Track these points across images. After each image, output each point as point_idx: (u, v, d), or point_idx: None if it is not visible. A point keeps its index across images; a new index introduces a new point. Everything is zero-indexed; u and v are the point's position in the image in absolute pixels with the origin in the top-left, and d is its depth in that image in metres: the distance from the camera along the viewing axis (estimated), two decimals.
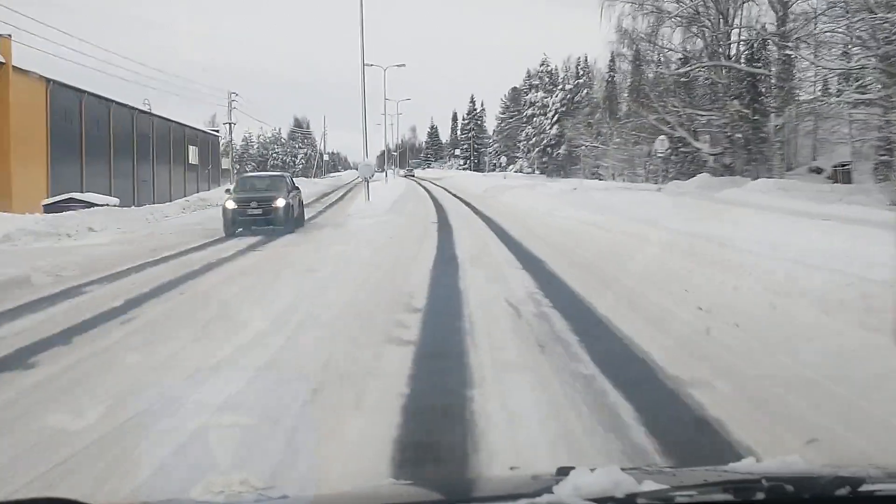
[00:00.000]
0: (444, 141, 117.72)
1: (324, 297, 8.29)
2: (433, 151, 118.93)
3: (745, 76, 33.42)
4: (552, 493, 1.46)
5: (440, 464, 3.61)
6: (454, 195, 36.27)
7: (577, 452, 3.56)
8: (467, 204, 28.26)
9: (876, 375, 4.64)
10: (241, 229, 17.20)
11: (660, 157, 27.56)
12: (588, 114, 55.19)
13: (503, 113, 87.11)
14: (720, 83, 31.93)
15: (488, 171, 78.92)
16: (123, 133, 43.82)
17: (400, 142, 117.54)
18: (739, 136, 32.58)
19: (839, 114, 28.18)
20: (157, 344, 6.09)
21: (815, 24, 28.80)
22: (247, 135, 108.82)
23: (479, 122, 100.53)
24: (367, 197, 26.07)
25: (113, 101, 42.34)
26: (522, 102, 74.77)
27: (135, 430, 4.01)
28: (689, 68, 32.63)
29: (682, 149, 35.63)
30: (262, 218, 17.09)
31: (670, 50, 33.07)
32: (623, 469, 1.54)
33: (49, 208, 24.05)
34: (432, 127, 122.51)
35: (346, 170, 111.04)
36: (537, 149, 66.92)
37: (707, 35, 32.06)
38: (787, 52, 29.10)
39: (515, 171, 68.06)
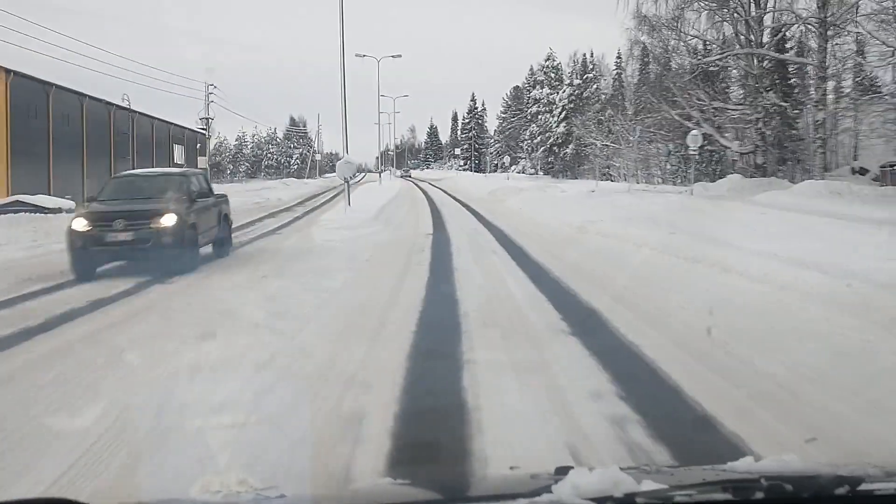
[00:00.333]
0: (443, 141, 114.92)
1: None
2: (433, 152, 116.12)
3: (777, 66, 30.14)
4: (551, 492, 1.44)
5: None
6: (455, 199, 32.78)
7: None
8: (471, 211, 24.18)
9: None
10: (104, 265, 10.52)
11: (693, 153, 24.22)
12: (599, 110, 51.73)
13: (505, 112, 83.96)
14: (752, 74, 28.57)
15: (489, 172, 75.83)
16: (99, 130, 40.88)
17: (400, 141, 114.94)
18: (771, 132, 29.26)
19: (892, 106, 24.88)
20: None
21: (857, 8, 25.68)
22: (240, 134, 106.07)
23: (479, 122, 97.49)
24: (348, 202, 21.10)
25: (86, 95, 39.25)
26: (526, 100, 71.46)
27: None
28: (719, 56, 29.22)
29: (706, 147, 32.30)
30: (133, 248, 10.17)
31: (696, 37, 29.63)
32: (622, 469, 1.52)
33: None
34: (432, 127, 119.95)
35: None
36: (542, 148, 63.46)
37: (737, 21, 28.68)
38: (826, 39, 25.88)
39: (517, 172, 64.62)
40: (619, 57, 63.05)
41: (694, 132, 22.77)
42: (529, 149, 67.29)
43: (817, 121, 27.18)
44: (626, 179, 44.60)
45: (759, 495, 1.43)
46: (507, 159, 60.64)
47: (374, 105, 75.17)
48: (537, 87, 67.23)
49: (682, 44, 30.00)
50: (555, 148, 60.84)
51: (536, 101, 66.17)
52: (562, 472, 1.54)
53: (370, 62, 50.20)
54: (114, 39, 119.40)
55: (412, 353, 5.45)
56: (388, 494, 1.93)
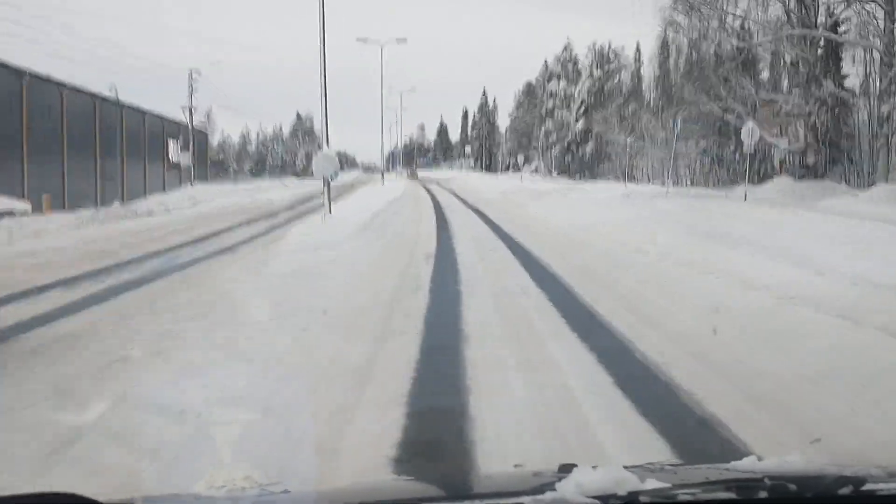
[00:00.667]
0: (453, 140, 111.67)
1: None
2: (443, 150, 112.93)
3: (831, 53, 26.59)
4: (555, 490, 1.43)
5: None
6: (465, 202, 29.26)
7: None
8: (488, 222, 19.54)
9: None
10: None
11: (752, 151, 20.86)
12: (622, 104, 48.10)
13: (517, 109, 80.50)
14: (805, 59, 25.09)
15: (501, 172, 72.42)
16: (82, 124, 37.76)
17: (409, 140, 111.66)
18: (823, 128, 25.74)
19: None
20: None
21: None
22: (244, 132, 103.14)
23: (490, 120, 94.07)
24: (328, 209, 17.32)
25: (66, 85, 36.15)
26: (540, 95, 67.84)
27: None
28: (770, 38, 25.64)
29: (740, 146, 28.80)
30: None
31: (740, 17, 26.07)
32: (626, 467, 1.51)
33: None
34: (441, 125, 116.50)
35: (353, 169, 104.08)
36: (558, 146, 59.88)
37: None
38: None
39: (531, 172, 61.03)
40: (638, 50, 59.79)
41: (749, 125, 19.34)
42: (544, 147, 63.66)
43: (885, 114, 23.67)
44: (650, 181, 41.16)
45: (763, 494, 1.43)
46: (520, 158, 57.17)
47: (385, 99, 71.75)
48: (554, 79, 63.46)
49: (724, 25, 26.48)
50: (573, 146, 57.16)
51: (552, 95, 62.48)
52: (565, 469, 1.54)
53: (374, 62, 46.87)
54: (114, 39, 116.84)
55: None
56: (393, 490, 1.93)
